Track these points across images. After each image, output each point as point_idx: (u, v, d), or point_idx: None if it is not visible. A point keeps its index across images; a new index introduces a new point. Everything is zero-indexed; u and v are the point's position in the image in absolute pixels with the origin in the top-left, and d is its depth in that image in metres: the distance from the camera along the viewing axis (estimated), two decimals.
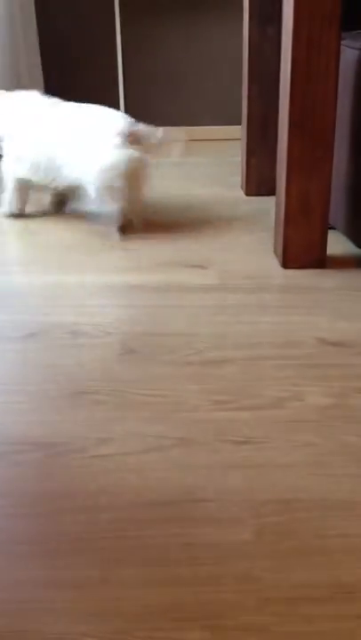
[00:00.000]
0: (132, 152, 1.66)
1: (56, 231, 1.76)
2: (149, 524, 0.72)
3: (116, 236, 1.67)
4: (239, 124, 3.06)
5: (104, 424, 0.90)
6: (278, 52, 1.92)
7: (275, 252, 1.53)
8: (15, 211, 1.86)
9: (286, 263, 1.46)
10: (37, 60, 2.90)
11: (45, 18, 2.95)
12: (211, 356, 1.08)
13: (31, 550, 0.69)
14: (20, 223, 1.83)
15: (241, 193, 2.11)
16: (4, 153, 1.82)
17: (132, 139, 1.68)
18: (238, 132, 3.06)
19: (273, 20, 1.87)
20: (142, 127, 1.73)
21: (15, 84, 2.79)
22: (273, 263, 1.49)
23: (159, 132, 1.74)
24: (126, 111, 3.09)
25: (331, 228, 1.49)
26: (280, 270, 1.45)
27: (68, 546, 0.70)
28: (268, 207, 1.92)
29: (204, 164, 2.59)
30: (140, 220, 1.76)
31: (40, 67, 2.92)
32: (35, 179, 1.78)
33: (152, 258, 1.53)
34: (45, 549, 0.69)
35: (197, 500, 0.76)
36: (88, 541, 0.70)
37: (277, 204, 1.50)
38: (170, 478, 0.79)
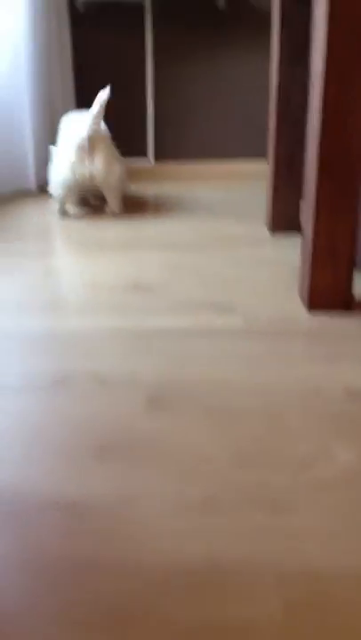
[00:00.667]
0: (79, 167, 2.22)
1: (77, 269, 1.77)
2: (176, 596, 0.70)
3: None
4: (264, 158, 3.07)
5: (128, 481, 0.88)
6: (306, 92, 1.92)
7: (300, 294, 1.51)
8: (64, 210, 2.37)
9: (313, 306, 1.44)
10: (71, 97, 2.94)
11: (80, 61, 3.00)
12: (237, 406, 1.06)
13: (57, 629, 0.67)
14: (45, 261, 1.84)
15: (265, 230, 2.10)
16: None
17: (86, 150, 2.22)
18: (263, 167, 3.07)
19: (302, 61, 1.87)
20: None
21: (50, 122, 2.83)
22: (298, 305, 1.47)
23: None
24: (156, 147, 3.12)
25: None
26: (305, 313, 1.43)
27: (94, 618, 0.67)
28: (293, 246, 1.91)
29: (228, 200, 2.59)
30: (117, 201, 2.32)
31: (74, 103, 2.96)
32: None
33: (176, 299, 1.52)
34: (69, 622, 0.67)
35: (224, 570, 0.73)
36: (110, 612, 0.68)
37: (303, 246, 1.48)
38: (195, 544, 0.77)
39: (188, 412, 1.04)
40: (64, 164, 2.23)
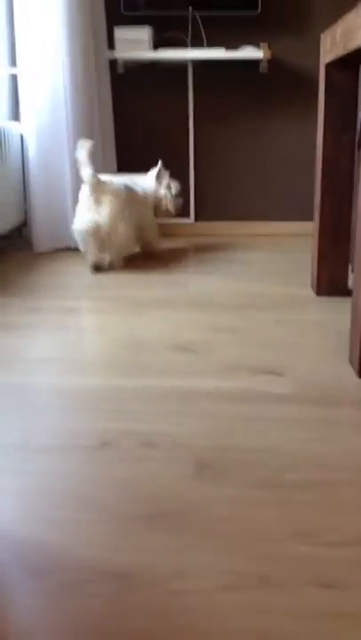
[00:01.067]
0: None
1: (120, 328, 1.77)
2: None
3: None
4: (309, 219, 3.09)
5: (178, 554, 0.85)
6: (352, 156, 1.94)
7: (350, 361, 1.49)
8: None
9: None
10: (113, 162, 3.01)
11: (122, 122, 3.08)
12: (289, 478, 1.03)
13: None
14: (88, 319, 1.85)
15: (311, 292, 2.09)
16: None
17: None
18: (306, 227, 3.09)
19: (348, 128, 1.90)
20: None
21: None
22: (349, 372, 1.44)
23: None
24: (196, 209, 3.17)
25: None
26: (357, 381, 1.40)
27: None
28: (341, 309, 1.89)
29: (272, 260, 2.60)
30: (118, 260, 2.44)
31: (115, 164, 3.03)
32: None
33: (221, 361, 1.51)
34: None
35: None
36: None
37: (354, 311, 1.46)
38: (250, 625, 0.73)
39: (239, 481, 1.02)
40: (77, 214, 2.40)
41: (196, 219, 3.21)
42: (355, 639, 0.71)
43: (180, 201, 2.68)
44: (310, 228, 2.40)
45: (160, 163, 2.60)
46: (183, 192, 3.19)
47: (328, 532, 0.89)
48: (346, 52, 1.59)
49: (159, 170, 2.61)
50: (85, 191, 2.37)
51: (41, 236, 2.75)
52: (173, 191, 2.63)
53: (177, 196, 2.64)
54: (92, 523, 0.92)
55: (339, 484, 1.01)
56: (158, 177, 2.61)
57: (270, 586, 0.79)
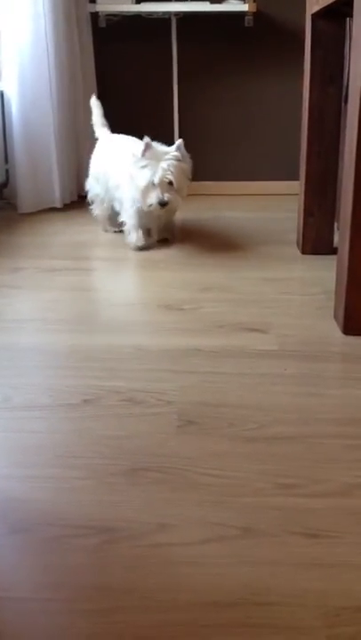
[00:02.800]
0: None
1: (106, 287, 1.75)
2: (211, 630, 0.66)
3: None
4: (294, 179, 3.05)
5: (162, 507, 0.85)
6: (338, 111, 1.90)
7: (335, 317, 1.48)
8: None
9: (348, 329, 1.40)
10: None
11: (105, 77, 3.01)
12: (273, 431, 1.02)
13: None
14: (66, 278, 1.83)
15: (297, 251, 2.07)
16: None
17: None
18: (293, 187, 3.05)
19: (335, 80, 1.86)
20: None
21: (76, 142, 2.85)
22: (334, 328, 1.43)
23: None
24: None
25: None
26: (341, 337, 1.39)
27: None
28: (326, 267, 1.88)
29: (259, 220, 2.57)
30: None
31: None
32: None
33: (209, 319, 1.50)
34: None
35: (264, 602, 0.70)
36: None
37: (339, 268, 1.45)
38: (233, 575, 0.73)
39: (224, 436, 1.01)
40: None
41: None
42: (338, 588, 0.71)
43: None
44: (298, 187, 2.38)
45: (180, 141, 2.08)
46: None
47: (312, 484, 0.89)
48: (332, 1, 1.55)
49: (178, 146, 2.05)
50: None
51: (25, 196, 2.70)
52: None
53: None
54: (75, 479, 0.91)
55: (324, 437, 1.00)
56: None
57: (254, 537, 0.79)
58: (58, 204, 2.74)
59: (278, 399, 1.12)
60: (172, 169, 1.99)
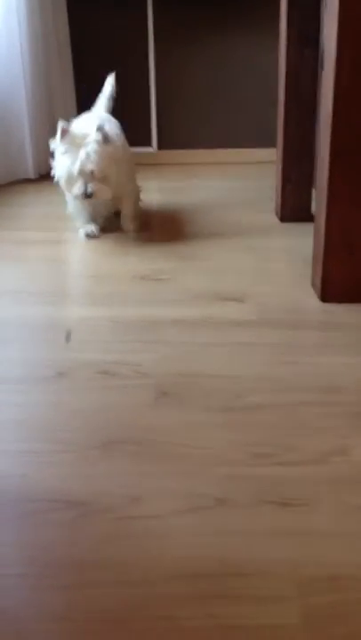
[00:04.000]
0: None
1: (82, 259, 1.73)
2: (184, 601, 0.66)
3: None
4: (272, 146, 3.02)
5: (136, 479, 0.84)
6: (316, 74, 1.87)
7: (313, 284, 1.47)
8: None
9: (326, 297, 1.39)
10: (71, 85, 2.89)
11: (78, 42, 2.94)
12: (249, 401, 1.02)
13: (58, 628, 0.64)
14: (43, 250, 1.80)
15: (275, 219, 2.05)
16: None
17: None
18: (271, 154, 3.02)
19: (311, 42, 1.82)
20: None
21: (50, 111, 2.78)
22: (311, 296, 1.43)
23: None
24: (159, 134, 3.07)
25: None
26: (319, 305, 1.38)
27: (96, 625, 0.64)
28: (304, 235, 1.86)
29: (236, 188, 2.54)
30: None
31: (74, 92, 2.91)
32: None
33: (186, 289, 1.48)
34: (72, 627, 0.64)
35: (236, 573, 0.70)
36: (118, 622, 0.64)
37: (316, 236, 1.44)
38: (206, 546, 0.73)
39: (200, 406, 1.01)
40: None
41: (159, 147, 3.12)
42: (311, 557, 0.71)
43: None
44: (274, 154, 2.35)
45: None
46: (142, 124, 3.08)
47: (287, 453, 0.89)
48: None
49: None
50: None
51: None
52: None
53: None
54: (49, 453, 0.90)
55: (299, 406, 1.00)
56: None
57: (227, 506, 0.79)
58: (32, 175, 2.68)
59: (254, 369, 1.12)
60: (93, 156, 1.74)
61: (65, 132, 1.79)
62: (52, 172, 1.88)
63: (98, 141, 1.75)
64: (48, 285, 1.53)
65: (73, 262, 1.71)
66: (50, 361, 1.16)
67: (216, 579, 0.69)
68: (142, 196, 2.11)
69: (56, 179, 1.85)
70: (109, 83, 2.12)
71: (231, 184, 2.63)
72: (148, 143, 3.10)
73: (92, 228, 1.90)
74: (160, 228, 2.00)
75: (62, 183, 1.82)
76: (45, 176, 2.67)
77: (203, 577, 0.69)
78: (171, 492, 0.82)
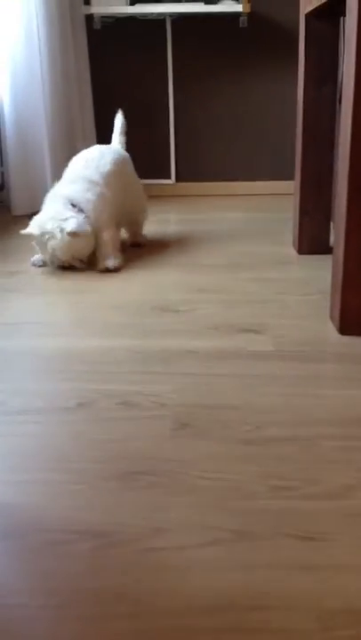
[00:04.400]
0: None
1: (101, 290, 1.75)
2: (205, 634, 0.66)
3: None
4: (290, 179, 3.04)
5: (157, 511, 0.84)
6: (334, 112, 1.90)
7: (331, 316, 1.47)
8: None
9: (344, 329, 1.40)
10: (91, 119, 2.95)
11: (99, 78, 3.01)
12: (269, 433, 1.02)
13: None
14: (62, 281, 1.82)
15: (293, 251, 2.07)
16: None
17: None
18: (288, 187, 3.04)
19: (328, 81, 1.85)
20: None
21: (70, 144, 2.84)
22: (330, 329, 1.43)
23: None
24: (177, 166, 3.11)
25: None
26: (337, 337, 1.39)
27: None
28: (322, 267, 1.88)
29: (253, 220, 2.57)
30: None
31: (94, 126, 2.96)
32: None
33: (204, 320, 1.49)
34: None
35: (260, 606, 0.69)
36: None
37: (334, 268, 1.45)
38: (227, 579, 0.73)
39: (219, 438, 1.01)
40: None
41: (177, 179, 3.17)
42: (332, 591, 0.71)
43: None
44: (293, 187, 2.37)
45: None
46: (161, 157, 3.12)
47: (308, 486, 0.89)
48: (326, 1, 1.54)
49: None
50: None
51: (19, 198, 2.70)
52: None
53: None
54: (69, 483, 0.91)
55: (320, 439, 1.00)
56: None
57: (248, 540, 0.79)
58: None
59: (274, 400, 1.12)
60: (57, 252, 1.88)
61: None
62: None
63: (61, 229, 1.85)
64: (67, 316, 1.55)
65: (92, 293, 1.73)
66: (69, 392, 1.17)
67: (236, 612, 0.68)
68: (160, 227, 2.14)
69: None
70: (118, 119, 2.22)
71: (249, 216, 2.65)
72: (167, 175, 3.15)
73: (39, 257, 2.00)
74: (178, 259, 2.02)
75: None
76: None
77: (223, 610, 0.69)
78: (190, 524, 0.82)
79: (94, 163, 2.00)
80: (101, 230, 1.93)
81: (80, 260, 1.94)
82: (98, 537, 0.80)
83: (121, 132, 2.22)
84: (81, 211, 1.88)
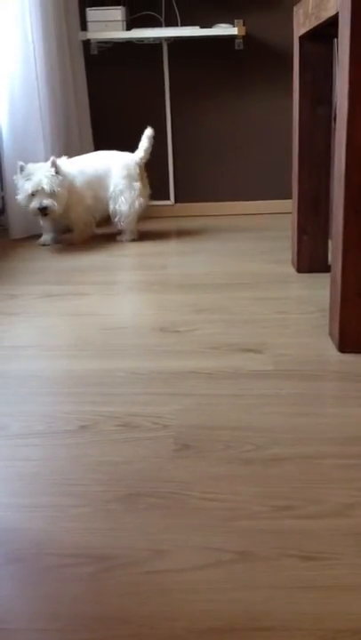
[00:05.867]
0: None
1: (101, 311, 1.76)
2: None
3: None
4: (287, 197, 3.07)
5: (159, 533, 0.84)
6: (328, 131, 1.92)
7: (330, 334, 1.48)
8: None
9: (343, 347, 1.40)
10: (90, 143, 2.97)
11: (97, 103, 3.04)
12: (269, 453, 1.02)
13: None
14: (62, 304, 1.83)
15: (292, 269, 2.08)
16: None
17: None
18: (287, 205, 3.07)
19: (323, 101, 1.88)
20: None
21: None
22: (329, 347, 1.44)
23: None
24: (176, 187, 3.14)
25: None
26: (337, 354, 1.39)
27: None
28: (321, 285, 1.89)
29: (252, 239, 2.58)
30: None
31: (92, 144, 2.99)
32: None
33: (204, 341, 1.50)
34: None
35: (261, 627, 0.69)
36: None
37: (333, 286, 1.45)
38: (230, 601, 0.73)
39: (220, 458, 1.01)
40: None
41: (176, 200, 3.19)
42: (335, 610, 0.71)
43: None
44: (290, 205, 2.39)
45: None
46: (160, 178, 3.15)
47: (309, 505, 0.89)
48: (319, 23, 1.57)
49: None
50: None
51: (17, 222, 2.71)
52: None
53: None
54: (71, 506, 0.91)
55: (320, 458, 1.00)
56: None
57: (250, 561, 0.79)
58: None
59: (274, 420, 1.12)
60: (44, 179, 2.40)
61: (22, 168, 2.45)
62: (17, 196, 2.49)
63: (49, 169, 2.42)
64: (67, 339, 1.56)
65: (91, 315, 1.74)
66: (71, 414, 1.17)
67: (239, 633, 0.68)
68: (159, 247, 2.18)
69: (18, 199, 2.46)
70: (146, 135, 2.60)
71: (247, 235, 2.67)
72: (166, 197, 3.17)
73: (47, 238, 2.64)
74: (177, 279, 2.03)
75: (23, 202, 2.45)
76: (64, 231, 2.74)
77: (225, 631, 0.69)
78: (193, 545, 0.82)
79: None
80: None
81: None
82: (100, 560, 0.80)
83: (146, 149, 2.60)
84: None
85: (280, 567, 0.77)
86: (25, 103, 2.64)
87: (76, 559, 0.80)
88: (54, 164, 2.42)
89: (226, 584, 0.75)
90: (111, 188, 2.56)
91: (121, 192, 2.55)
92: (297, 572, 0.76)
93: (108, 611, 0.72)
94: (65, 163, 2.52)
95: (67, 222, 2.60)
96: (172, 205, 3.19)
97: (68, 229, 2.64)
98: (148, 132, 2.57)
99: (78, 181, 2.53)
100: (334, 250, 1.44)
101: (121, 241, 2.64)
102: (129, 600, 0.73)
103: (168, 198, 3.19)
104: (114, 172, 2.56)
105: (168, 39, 2.97)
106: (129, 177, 2.55)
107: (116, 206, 2.56)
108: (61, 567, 0.79)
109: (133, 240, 2.63)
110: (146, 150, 2.58)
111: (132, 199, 2.55)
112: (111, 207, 2.58)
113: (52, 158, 2.43)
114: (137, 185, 2.55)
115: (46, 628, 0.70)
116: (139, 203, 2.56)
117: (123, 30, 2.83)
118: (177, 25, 2.94)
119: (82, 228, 2.62)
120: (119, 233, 2.66)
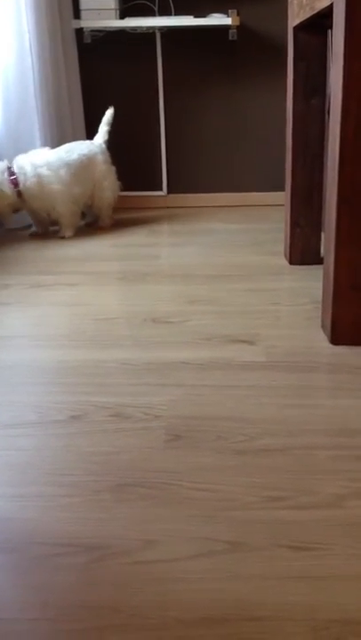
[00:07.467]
0: None
1: (94, 301, 1.75)
2: None
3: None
4: (280, 190, 3.06)
5: (149, 523, 0.84)
6: (322, 123, 1.92)
7: (323, 327, 1.48)
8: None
9: (335, 339, 1.41)
10: (83, 133, 2.96)
11: (90, 92, 3.02)
12: (261, 444, 1.02)
13: None
14: (54, 294, 1.83)
15: (285, 261, 2.08)
16: None
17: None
18: (280, 197, 3.07)
19: (317, 93, 1.87)
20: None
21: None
22: (321, 339, 1.44)
23: None
24: (169, 178, 3.13)
25: None
26: (329, 347, 1.39)
27: None
28: (314, 277, 1.89)
29: (245, 231, 2.58)
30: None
31: (84, 137, 2.97)
32: None
33: (196, 332, 1.50)
34: None
35: (253, 617, 0.69)
36: None
37: (325, 278, 1.45)
38: (221, 590, 0.73)
39: (211, 449, 1.01)
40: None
41: (169, 191, 3.18)
42: (327, 600, 0.71)
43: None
44: (284, 198, 2.39)
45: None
46: (153, 169, 3.14)
47: (301, 496, 0.89)
48: (313, 13, 1.56)
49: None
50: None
51: None
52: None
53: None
54: (62, 496, 0.91)
55: (312, 449, 1.00)
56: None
57: (242, 551, 0.79)
58: None
59: (266, 411, 1.12)
60: None
61: None
62: None
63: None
64: (59, 328, 1.55)
65: (84, 305, 1.73)
66: (62, 404, 1.17)
67: (231, 623, 0.68)
68: (151, 238, 2.17)
69: None
70: (108, 113, 2.69)
71: (240, 227, 2.66)
72: (158, 187, 3.16)
73: (34, 228, 2.65)
74: (170, 270, 2.03)
75: None
76: (52, 223, 2.73)
77: (217, 621, 0.69)
78: (184, 535, 0.82)
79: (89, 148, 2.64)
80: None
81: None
82: (91, 550, 0.80)
83: (106, 123, 2.68)
84: None
85: (272, 557, 0.77)
86: (19, 92, 2.62)
87: (66, 549, 0.80)
88: (9, 170, 2.47)
89: (217, 574, 0.75)
90: (95, 175, 2.59)
91: (104, 177, 2.60)
92: (288, 563, 0.76)
93: (98, 600, 0.72)
94: (46, 155, 2.52)
95: (51, 215, 2.58)
96: (164, 196, 3.18)
97: (54, 222, 2.64)
98: (110, 112, 2.68)
99: (63, 173, 2.51)
100: (327, 242, 1.43)
101: (102, 227, 2.70)
102: (120, 590, 0.73)
103: (161, 189, 3.17)
104: (96, 159, 2.59)
105: (161, 28, 2.95)
106: (107, 162, 2.62)
107: (100, 192, 2.61)
108: (52, 557, 0.79)
109: (112, 225, 2.71)
110: (108, 132, 2.67)
111: (114, 183, 2.63)
112: (96, 194, 2.62)
113: (4, 162, 2.48)
114: (114, 169, 2.64)
115: (37, 617, 0.70)
116: (118, 186, 2.67)
117: (116, 19, 2.81)
118: (171, 14, 2.92)
119: (70, 220, 2.61)
120: (96, 221, 2.72)
